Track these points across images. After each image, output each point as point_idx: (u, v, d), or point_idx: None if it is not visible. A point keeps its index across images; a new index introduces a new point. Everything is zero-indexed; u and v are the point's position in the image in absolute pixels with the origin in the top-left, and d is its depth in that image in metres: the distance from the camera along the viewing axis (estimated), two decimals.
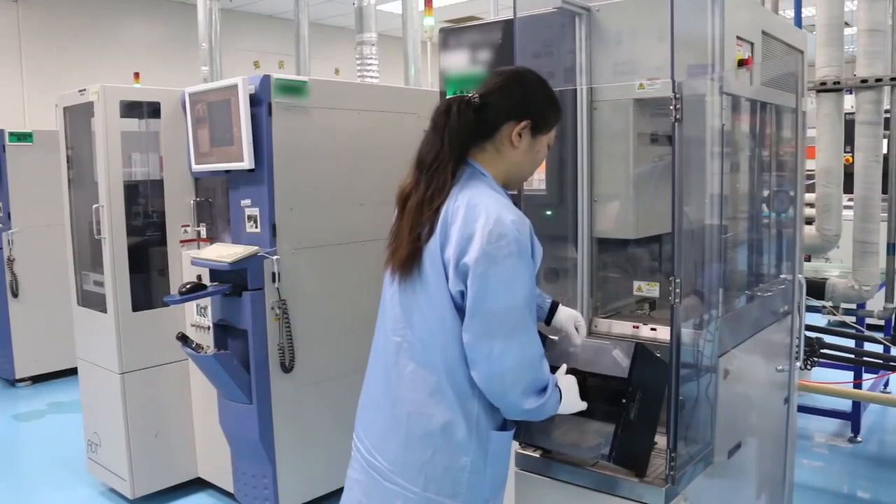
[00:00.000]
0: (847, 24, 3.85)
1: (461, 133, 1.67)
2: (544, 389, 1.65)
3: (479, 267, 1.56)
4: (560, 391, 1.72)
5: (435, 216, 1.64)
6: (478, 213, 1.59)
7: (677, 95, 1.84)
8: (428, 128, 1.72)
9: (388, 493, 1.71)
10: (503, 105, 1.70)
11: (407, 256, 1.65)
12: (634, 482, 1.90)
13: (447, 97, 1.74)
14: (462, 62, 2.76)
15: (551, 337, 2.00)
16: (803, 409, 4.27)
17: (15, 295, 5.79)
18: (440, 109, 1.70)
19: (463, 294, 1.61)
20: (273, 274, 3.31)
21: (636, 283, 2.23)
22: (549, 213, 2.32)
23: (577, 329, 1.96)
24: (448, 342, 1.64)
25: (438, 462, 1.67)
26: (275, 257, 3.30)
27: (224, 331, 3.49)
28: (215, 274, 3.45)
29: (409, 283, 1.67)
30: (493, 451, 1.70)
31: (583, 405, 1.79)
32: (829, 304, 3.75)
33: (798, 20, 4.08)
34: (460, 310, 1.62)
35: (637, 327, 2.20)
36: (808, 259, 4.56)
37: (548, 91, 1.79)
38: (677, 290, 1.87)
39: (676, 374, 1.90)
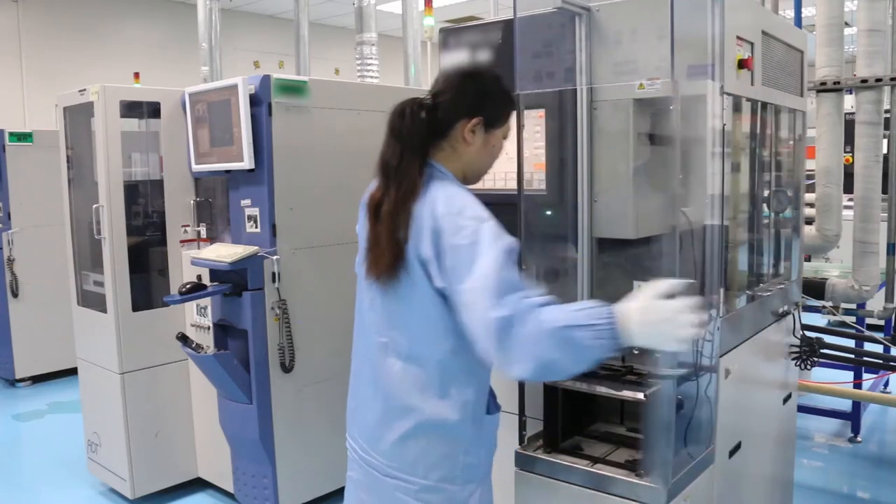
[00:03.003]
0: (847, 24, 3.85)
1: (417, 134, 1.70)
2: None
3: (448, 259, 1.58)
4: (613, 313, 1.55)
5: (409, 218, 1.65)
6: (441, 207, 1.62)
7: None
8: (385, 132, 1.74)
9: (388, 486, 1.73)
10: (453, 104, 1.73)
11: (391, 262, 1.65)
12: (634, 482, 1.90)
13: (401, 100, 1.76)
14: (462, 62, 2.76)
15: None
16: (803, 409, 4.27)
17: (15, 295, 5.78)
18: (395, 112, 1.74)
19: (444, 288, 1.62)
20: (273, 274, 3.31)
21: (636, 283, 2.23)
22: (548, 213, 2.32)
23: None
24: (436, 337, 1.66)
25: (435, 451, 1.70)
26: (275, 257, 3.30)
27: (224, 331, 3.49)
28: (215, 274, 3.45)
29: (392, 287, 1.68)
30: (486, 433, 1.78)
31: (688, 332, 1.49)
32: (829, 304, 3.75)
33: (798, 20, 4.07)
34: (447, 303, 1.62)
35: None
36: (808, 259, 4.55)
37: (498, 85, 1.80)
38: None
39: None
